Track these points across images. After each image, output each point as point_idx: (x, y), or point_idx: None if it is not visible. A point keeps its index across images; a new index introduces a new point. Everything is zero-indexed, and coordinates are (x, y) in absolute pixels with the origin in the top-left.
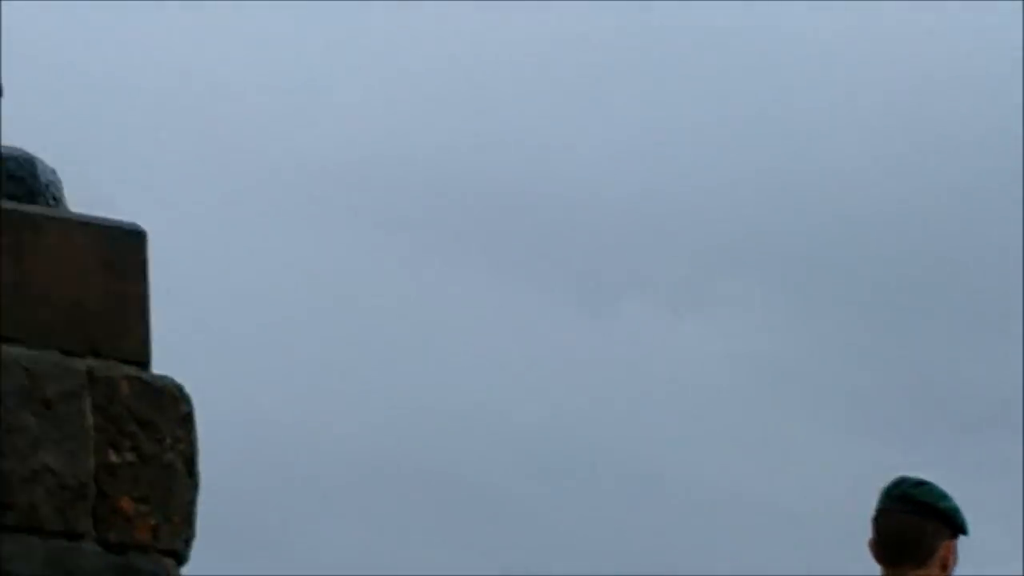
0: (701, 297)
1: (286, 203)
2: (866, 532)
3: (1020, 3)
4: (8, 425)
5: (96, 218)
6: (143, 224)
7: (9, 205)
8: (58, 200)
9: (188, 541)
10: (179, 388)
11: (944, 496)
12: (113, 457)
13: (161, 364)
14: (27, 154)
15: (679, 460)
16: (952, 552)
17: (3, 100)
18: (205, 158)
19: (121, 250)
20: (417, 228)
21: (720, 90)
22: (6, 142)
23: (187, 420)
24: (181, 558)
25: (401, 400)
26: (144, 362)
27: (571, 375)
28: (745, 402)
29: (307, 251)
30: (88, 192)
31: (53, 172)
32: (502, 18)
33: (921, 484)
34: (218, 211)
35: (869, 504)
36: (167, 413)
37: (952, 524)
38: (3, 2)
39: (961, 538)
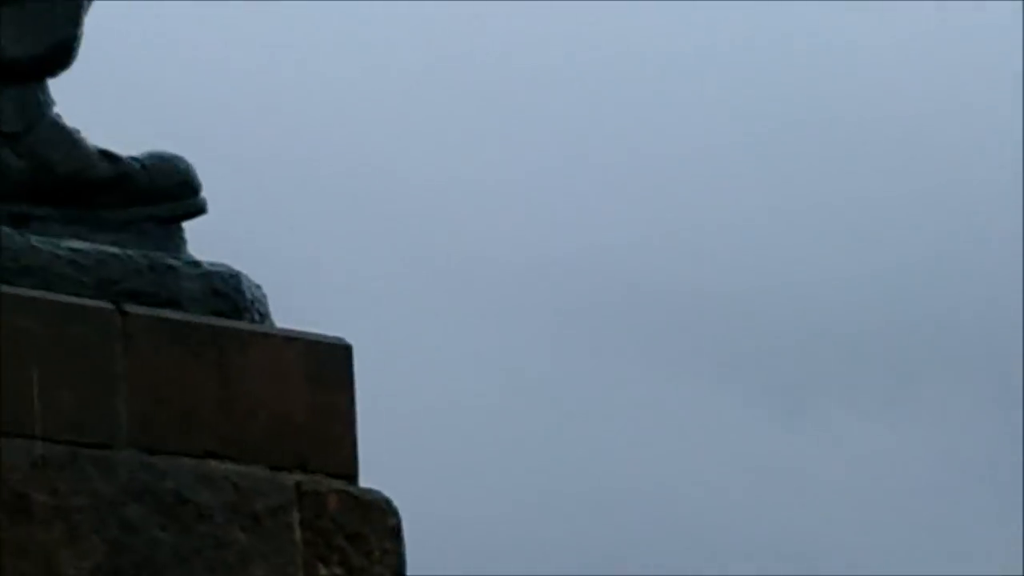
0: (896, 401)
1: (487, 309)
2: None
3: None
4: (217, 540)
5: (301, 332)
6: (347, 336)
7: (215, 321)
8: (263, 316)
9: None
10: (387, 501)
11: None
12: (322, 571)
13: (368, 477)
14: (232, 270)
15: (879, 569)
16: None
17: (207, 217)
18: (406, 268)
19: (327, 364)
20: (611, 331)
21: (911, 196)
22: (211, 258)
23: (395, 533)
24: None
25: (590, 501)
26: (352, 476)
27: (765, 481)
28: (947, 508)
29: (507, 355)
30: (292, 306)
31: (258, 287)
32: (693, 119)
33: None
34: (419, 320)
35: None
36: (375, 526)
37: None
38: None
39: None
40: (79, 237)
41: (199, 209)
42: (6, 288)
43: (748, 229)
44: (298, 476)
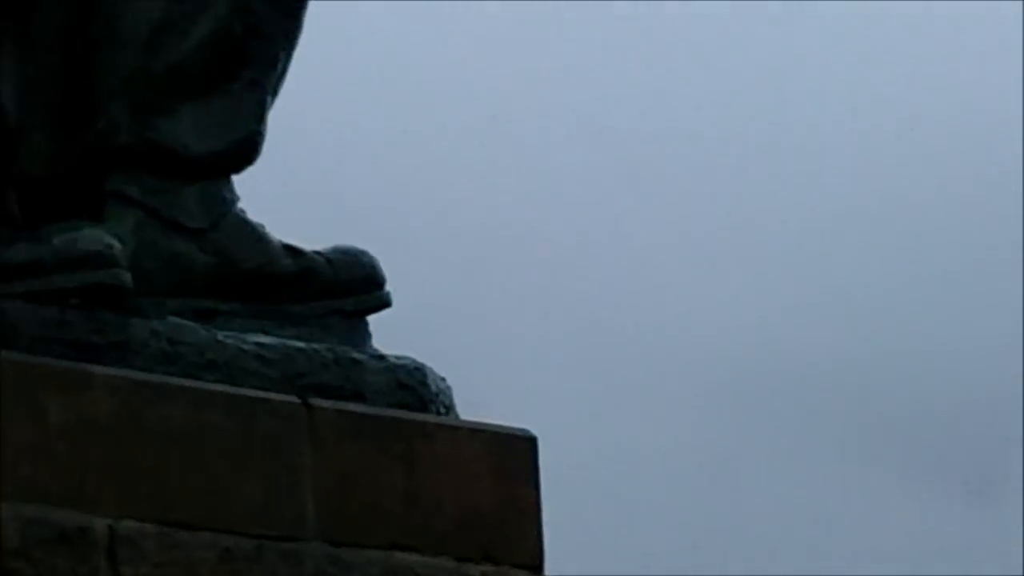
0: None
1: (670, 398)
2: None
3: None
4: None
5: (486, 425)
6: (531, 428)
7: (401, 414)
8: (448, 408)
9: None
10: None
11: None
12: None
13: (554, 567)
14: (417, 363)
15: None
16: None
17: (392, 310)
18: (590, 360)
19: (512, 456)
20: (791, 417)
21: None
22: (396, 351)
23: None
24: None
25: None
26: (538, 566)
27: (955, 564)
28: None
29: (692, 445)
30: (477, 398)
31: (443, 380)
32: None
33: None
34: (600, 412)
35: None
36: None
37: None
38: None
39: None
40: (265, 331)
41: (384, 303)
42: (193, 383)
43: (940, 321)
44: (484, 567)
